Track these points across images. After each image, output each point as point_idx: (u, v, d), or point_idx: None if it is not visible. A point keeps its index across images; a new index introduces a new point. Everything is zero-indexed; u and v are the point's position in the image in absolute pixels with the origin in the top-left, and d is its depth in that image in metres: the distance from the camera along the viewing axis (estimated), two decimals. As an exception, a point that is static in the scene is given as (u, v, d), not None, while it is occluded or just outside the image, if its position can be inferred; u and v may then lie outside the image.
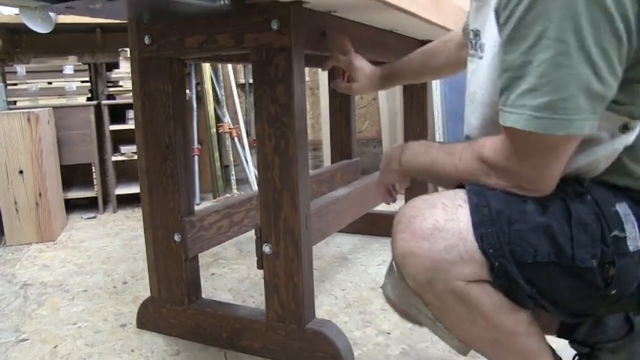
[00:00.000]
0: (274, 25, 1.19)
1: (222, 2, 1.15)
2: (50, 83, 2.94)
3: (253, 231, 1.36)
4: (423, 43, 2.16)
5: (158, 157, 1.42)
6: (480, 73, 0.90)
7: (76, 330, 1.58)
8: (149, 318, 1.55)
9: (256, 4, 1.21)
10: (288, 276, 1.29)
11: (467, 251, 0.80)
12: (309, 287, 1.33)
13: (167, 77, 1.37)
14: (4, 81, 2.90)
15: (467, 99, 0.99)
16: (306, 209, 1.27)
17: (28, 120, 2.44)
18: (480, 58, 0.90)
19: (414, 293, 0.87)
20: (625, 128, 0.79)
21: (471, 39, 0.97)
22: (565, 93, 0.71)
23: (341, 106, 2.30)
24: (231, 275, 1.99)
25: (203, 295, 1.55)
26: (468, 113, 0.98)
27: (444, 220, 0.80)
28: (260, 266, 1.33)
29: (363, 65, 1.44)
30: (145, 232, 1.50)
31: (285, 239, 1.27)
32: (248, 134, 3.52)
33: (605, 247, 0.78)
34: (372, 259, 2.08)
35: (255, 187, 3.40)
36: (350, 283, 1.85)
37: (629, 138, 0.80)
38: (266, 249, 1.30)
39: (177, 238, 1.43)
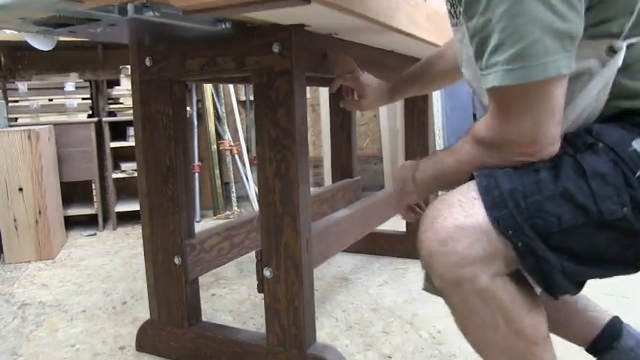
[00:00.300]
0: (275, 49, 1.19)
1: (223, 26, 1.15)
2: (51, 100, 2.94)
3: (254, 252, 1.35)
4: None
5: (159, 178, 1.41)
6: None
7: (74, 353, 1.56)
8: (148, 341, 1.53)
9: (257, 27, 1.21)
10: (289, 300, 1.28)
11: (489, 243, 0.79)
12: (310, 311, 1.31)
13: (168, 99, 1.37)
14: (5, 98, 2.90)
15: (463, 67, 0.99)
16: (307, 233, 1.26)
17: (29, 137, 2.43)
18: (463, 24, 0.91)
19: (438, 294, 0.87)
20: (611, 51, 0.79)
21: (449, 10, 0.97)
22: (529, 39, 0.72)
23: (342, 124, 2.30)
24: (232, 296, 1.98)
25: (203, 317, 1.53)
26: (471, 78, 0.97)
27: (463, 217, 0.80)
28: (261, 290, 1.32)
29: (370, 80, 1.44)
30: (145, 254, 1.49)
31: (285, 263, 1.26)
32: (249, 151, 3.52)
33: (632, 190, 0.76)
34: (373, 280, 2.07)
35: (255, 205, 3.39)
36: (351, 305, 1.83)
37: (618, 60, 0.79)
38: (267, 273, 1.29)
39: (177, 260, 1.42)
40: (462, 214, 0.81)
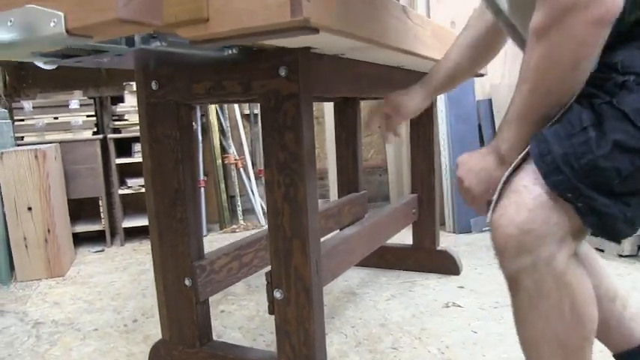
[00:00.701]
0: (282, 72, 1.20)
1: (229, 52, 1.16)
2: (56, 118, 2.97)
3: (262, 270, 1.36)
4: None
5: (167, 201, 1.42)
6: None
7: (87, 373, 1.58)
8: (160, 360, 1.54)
9: (263, 51, 1.21)
10: (300, 322, 1.29)
11: (559, 217, 0.82)
12: (320, 332, 1.32)
13: (175, 122, 1.38)
14: (11, 117, 2.92)
15: None
16: (316, 256, 1.27)
17: (36, 157, 2.45)
18: None
19: (508, 279, 0.89)
20: None
21: None
22: None
23: (347, 139, 2.31)
24: (241, 312, 1.99)
25: (213, 333, 1.54)
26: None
27: (531, 200, 0.83)
28: (271, 312, 1.33)
29: (397, 92, 1.46)
30: (155, 275, 1.50)
31: (296, 285, 1.27)
32: (254, 165, 3.53)
33: None
34: (381, 294, 2.07)
35: (261, 218, 3.40)
36: (359, 320, 1.84)
37: None
38: (277, 295, 1.30)
39: (187, 282, 1.42)
40: (530, 197, 0.83)
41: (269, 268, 1.32)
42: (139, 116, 1.45)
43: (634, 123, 0.77)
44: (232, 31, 0.89)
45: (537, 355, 0.90)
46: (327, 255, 1.43)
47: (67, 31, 0.77)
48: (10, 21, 0.81)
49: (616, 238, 0.84)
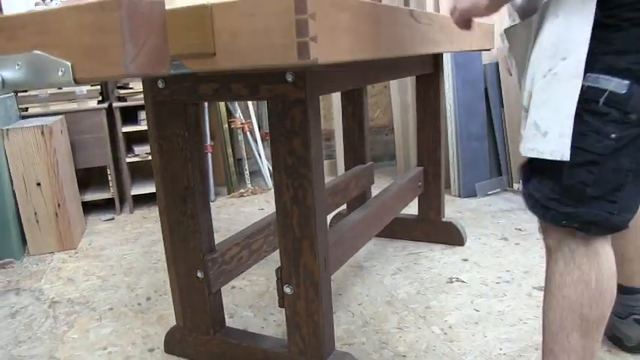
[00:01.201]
0: (289, 78, 1.20)
1: (235, 60, 1.16)
2: (60, 88, 2.94)
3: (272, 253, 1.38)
4: (437, 56, 2.16)
5: (177, 198, 1.44)
6: None
7: (107, 356, 1.64)
8: (176, 344, 1.61)
9: (270, 55, 1.21)
10: (309, 315, 1.34)
11: None
12: (328, 323, 1.37)
13: (182, 122, 1.38)
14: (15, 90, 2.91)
15: None
16: (324, 253, 1.31)
17: (42, 133, 2.46)
18: None
19: (550, 247, 1.03)
20: None
21: None
22: None
23: (354, 111, 2.31)
24: (251, 288, 2.05)
25: (225, 312, 1.60)
26: None
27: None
28: (282, 305, 1.38)
29: None
30: (168, 268, 1.54)
31: (305, 282, 1.31)
32: (260, 128, 3.53)
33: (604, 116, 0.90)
34: (387, 267, 2.12)
35: (268, 181, 3.43)
36: (366, 297, 1.89)
37: None
38: (287, 290, 1.34)
39: (200, 274, 1.47)
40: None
41: (278, 251, 1.36)
42: (146, 114, 1.46)
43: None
44: (239, 66, 0.89)
45: (560, 323, 0.99)
46: (334, 245, 1.46)
47: (74, 79, 0.77)
48: (18, 64, 0.81)
49: (618, 229, 0.96)
